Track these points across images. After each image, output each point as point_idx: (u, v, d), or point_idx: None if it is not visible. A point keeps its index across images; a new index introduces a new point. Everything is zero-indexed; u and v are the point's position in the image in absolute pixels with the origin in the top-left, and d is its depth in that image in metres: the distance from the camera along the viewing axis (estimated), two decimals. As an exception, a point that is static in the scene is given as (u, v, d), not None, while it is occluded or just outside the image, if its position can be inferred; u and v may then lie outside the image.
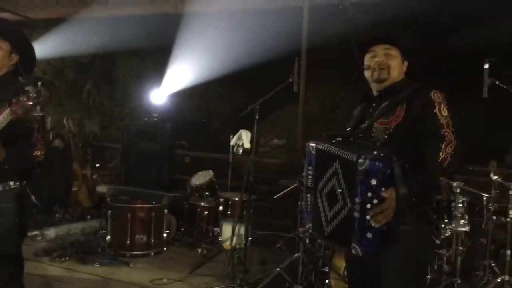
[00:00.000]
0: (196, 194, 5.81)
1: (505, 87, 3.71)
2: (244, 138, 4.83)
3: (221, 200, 5.52)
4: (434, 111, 2.12)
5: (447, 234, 4.15)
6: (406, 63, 2.35)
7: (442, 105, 2.14)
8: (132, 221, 5.10)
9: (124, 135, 6.93)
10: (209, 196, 5.74)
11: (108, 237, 5.19)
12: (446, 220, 4.14)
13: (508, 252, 4.01)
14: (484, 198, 4.20)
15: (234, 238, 4.71)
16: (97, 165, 7.21)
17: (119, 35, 8.30)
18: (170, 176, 6.59)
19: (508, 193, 4.05)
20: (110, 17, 8.11)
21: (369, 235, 1.90)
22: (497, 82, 3.68)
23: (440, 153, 2.03)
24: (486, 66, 3.69)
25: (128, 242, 5.08)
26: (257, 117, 4.35)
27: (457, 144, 2.07)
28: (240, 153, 4.94)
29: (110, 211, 5.24)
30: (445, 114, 2.13)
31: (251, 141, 4.77)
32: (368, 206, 1.88)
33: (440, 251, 4.18)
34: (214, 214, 5.65)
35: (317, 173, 2.11)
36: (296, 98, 6.66)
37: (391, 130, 2.16)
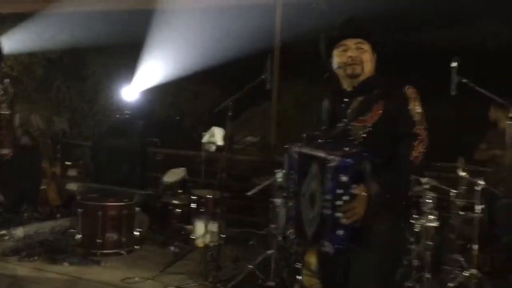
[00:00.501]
0: (169, 192, 5.77)
1: (472, 85, 3.79)
2: (216, 135, 4.82)
3: (194, 197, 5.50)
4: (408, 107, 2.13)
5: (416, 230, 4.23)
6: (375, 57, 2.32)
7: (416, 101, 2.15)
8: (102, 219, 5.02)
9: (94, 132, 6.82)
10: (181, 194, 5.72)
11: (78, 236, 5.10)
12: (415, 216, 4.21)
13: (475, 246, 4.10)
14: (452, 194, 4.28)
15: (207, 236, 4.68)
16: (67, 162, 7.08)
17: (90, 30, 8.16)
18: (142, 173, 6.51)
19: (475, 189, 4.14)
20: (80, 12, 7.97)
21: (340, 232, 1.88)
22: (464, 80, 3.76)
23: (413, 152, 2.05)
24: (454, 64, 3.76)
25: (98, 240, 5.00)
26: (230, 114, 4.33)
27: (428, 141, 2.10)
28: (213, 150, 4.92)
29: (80, 209, 5.14)
30: (419, 110, 2.14)
31: (224, 138, 4.75)
32: (339, 203, 1.87)
33: (409, 247, 4.25)
34: (186, 211, 5.62)
35: (300, 177, 2.06)
36: (270, 95, 6.67)
37: (369, 128, 2.14)
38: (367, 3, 6.47)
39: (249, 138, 10.73)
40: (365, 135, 2.13)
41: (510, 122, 4.00)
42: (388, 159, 2.04)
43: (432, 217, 4.07)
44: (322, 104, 2.40)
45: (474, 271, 4.06)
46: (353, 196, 1.88)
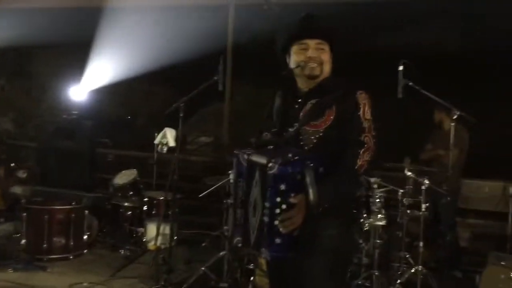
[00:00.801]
0: (119, 194, 5.64)
1: (417, 88, 3.92)
2: (168, 136, 4.74)
3: (146, 199, 5.41)
4: (358, 113, 2.10)
5: (365, 228, 4.34)
6: (332, 58, 2.25)
7: (366, 107, 2.12)
8: (49, 223, 4.86)
9: (41, 133, 6.58)
10: (133, 196, 5.60)
11: (23, 240, 4.91)
12: (364, 215, 4.32)
13: (421, 244, 4.25)
14: (399, 193, 4.42)
15: (159, 238, 4.62)
16: (12, 164, 6.79)
17: (36, 28, 7.87)
18: (92, 175, 6.35)
19: (421, 188, 4.29)
20: (26, 9, 7.68)
21: (278, 240, 1.86)
22: (410, 83, 3.89)
23: (358, 160, 2.03)
24: (401, 68, 3.88)
25: (44, 245, 4.83)
26: (181, 115, 4.29)
27: (375, 149, 2.09)
28: (164, 151, 4.85)
29: (25, 214, 4.95)
30: (368, 117, 2.11)
31: (176, 139, 4.69)
32: (277, 211, 1.84)
33: (359, 245, 4.36)
34: (138, 214, 5.52)
35: (248, 185, 1.99)
36: (223, 95, 6.67)
37: (321, 134, 2.08)
38: (318, 7, 6.58)
39: (202, 139, 10.68)
40: (316, 140, 2.08)
41: (453, 124, 4.18)
42: (334, 165, 2.01)
43: (380, 216, 4.19)
44: (274, 101, 2.30)
45: (420, 267, 4.21)
46: (292, 205, 1.86)
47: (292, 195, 1.85)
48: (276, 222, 1.84)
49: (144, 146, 7.02)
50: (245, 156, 1.99)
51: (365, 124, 2.09)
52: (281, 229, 1.85)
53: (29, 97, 10.12)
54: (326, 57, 2.19)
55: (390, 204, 4.58)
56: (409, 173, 4.30)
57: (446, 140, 4.49)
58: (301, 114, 2.15)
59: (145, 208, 5.39)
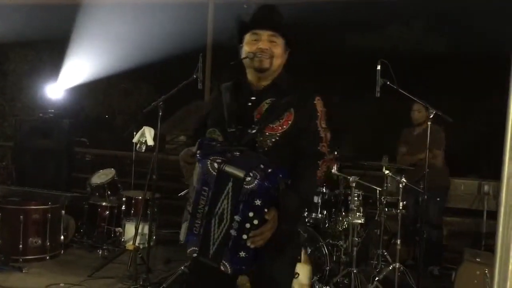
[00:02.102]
0: (97, 193, 5.59)
1: (395, 87, 3.96)
2: (147, 135, 4.70)
3: (124, 199, 5.36)
4: (316, 121, 2.04)
5: (344, 227, 4.37)
6: (286, 55, 2.15)
7: (323, 115, 2.07)
8: (25, 223, 4.77)
9: (17, 132, 6.45)
10: (111, 195, 5.56)
11: (-2, 241, 4.81)
12: (343, 213, 4.36)
13: (398, 241, 4.30)
14: (377, 191, 4.47)
15: (138, 238, 4.57)
16: (-14, 164, 6.67)
17: (11, 25, 7.71)
18: (69, 175, 6.26)
19: (399, 186, 4.34)
20: (1, 5, 7.52)
21: (242, 254, 1.82)
22: (388, 83, 3.92)
23: (318, 171, 1.99)
24: (378, 67, 3.91)
25: (20, 246, 4.74)
26: (160, 113, 4.26)
27: (331, 160, 2.10)
28: (143, 150, 4.80)
29: (0, 214, 4.85)
30: (324, 125, 2.06)
31: (155, 138, 4.66)
32: (247, 225, 1.80)
33: (338, 243, 4.39)
34: (116, 213, 5.47)
35: (215, 195, 1.86)
36: (203, 94, 6.63)
37: (277, 138, 1.97)
38: (298, 6, 6.61)
39: (181, 138, 10.64)
40: (271, 144, 1.96)
41: (430, 123, 4.20)
42: (292, 177, 1.94)
43: (358, 214, 4.23)
44: (217, 94, 2.16)
45: (397, 264, 4.26)
46: (264, 221, 1.81)
47: (265, 210, 1.80)
48: (245, 236, 1.79)
49: (123, 145, 6.95)
50: (216, 165, 1.84)
51: (322, 134, 2.03)
52: (249, 244, 1.79)
53: (4, 95, 9.92)
54: (277, 50, 2.07)
55: (368, 202, 4.62)
56: (387, 172, 4.34)
57: (422, 141, 4.48)
58: (256, 113, 2.02)
59: (123, 207, 5.34)
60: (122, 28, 7.70)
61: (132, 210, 5.31)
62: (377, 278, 4.24)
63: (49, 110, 6.38)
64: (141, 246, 4.68)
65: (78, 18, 7.24)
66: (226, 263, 1.83)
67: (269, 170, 1.80)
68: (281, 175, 1.83)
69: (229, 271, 1.83)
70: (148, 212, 4.86)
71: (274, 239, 1.86)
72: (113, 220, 5.47)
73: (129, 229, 4.98)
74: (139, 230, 4.59)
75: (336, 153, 4.54)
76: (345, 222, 4.35)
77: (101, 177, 5.68)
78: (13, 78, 9.92)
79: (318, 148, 2.02)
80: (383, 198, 4.46)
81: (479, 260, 4.12)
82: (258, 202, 1.78)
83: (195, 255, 1.90)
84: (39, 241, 4.84)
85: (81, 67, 7.43)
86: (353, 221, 4.23)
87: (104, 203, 5.50)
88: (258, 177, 1.76)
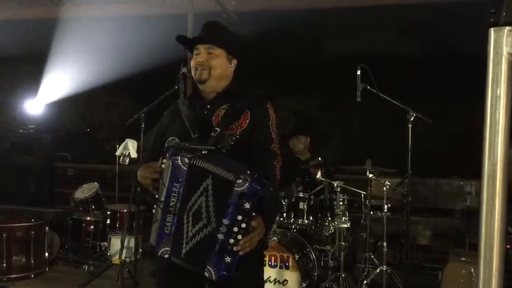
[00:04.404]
0: (81, 208, 5.52)
1: (375, 91, 4.01)
2: (130, 148, 4.68)
3: (109, 212, 5.30)
4: (268, 123, 2.15)
5: (330, 231, 4.39)
6: (235, 62, 2.25)
7: (274, 119, 2.17)
8: (8, 241, 4.69)
9: (-4, 149, 6.35)
10: (95, 210, 5.49)
11: (-20, 261, 4.71)
12: (329, 218, 4.38)
13: (385, 244, 4.33)
14: (362, 195, 4.50)
15: (124, 252, 4.53)
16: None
17: (-13, 40, 7.62)
18: (51, 190, 6.18)
19: (383, 189, 4.38)
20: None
21: (228, 259, 1.79)
22: (368, 87, 3.97)
23: (276, 171, 2.07)
24: (358, 72, 3.96)
25: (4, 265, 4.66)
26: (143, 125, 4.24)
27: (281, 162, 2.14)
28: (126, 163, 4.77)
29: (-19, 233, 4.76)
30: (275, 129, 2.16)
31: (138, 151, 4.63)
32: (235, 229, 1.78)
33: (325, 248, 4.41)
34: (101, 228, 5.41)
35: (187, 191, 1.85)
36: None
37: (237, 137, 2.07)
38: (276, 15, 6.67)
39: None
40: (232, 143, 2.06)
41: (410, 125, 4.24)
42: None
43: (344, 218, 4.25)
44: (180, 109, 2.22)
45: (385, 267, 4.29)
46: (251, 226, 1.80)
47: (253, 214, 1.79)
48: (232, 240, 1.77)
49: (106, 158, 6.89)
50: (186, 160, 1.84)
51: (273, 135, 2.14)
52: (235, 248, 1.78)
53: (-18, 112, 9.75)
54: (216, 62, 2.17)
55: (354, 206, 4.66)
56: (370, 175, 4.38)
57: None
58: (213, 118, 2.13)
59: (108, 221, 5.28)
60: (101, 42, 7.66)
61: (117, 224, 5.26)
62: (365, 282, 4.27)
63: (29, 126, 6.31)
64: (127, 260, 4.64)
65: (56, 33, 7.18)
66: (211, 269, 1.79)
67: (255, 175, 1.80)
68: (264, 180, 1.82)
69: (214, 277, 1.79)
70: (134, 225, 4.81)
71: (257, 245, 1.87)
72: (98, 234, 5.41)
73: (115, 243, 4.93)
74: (125, 244, 4.55)
75: (320, 158, 4.57)
76: (332, 227, 4.37)
77: (84, 191, 5.62)
78: (-9, 95, 9.78)
79: (271, 147, 2.11)
80: (367, 202, 4.49)
81: (464, 259, 4.17)
82: (247, 205, 1.77)
83: (166, 255, 1.87)
84: (23, 259, 4.76)
85: (60, 81, 7.37)
86: (339, 226, 4.25)
87: (88, 218, 5.44)
88: (249, 179, 1.76)
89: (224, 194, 1.79)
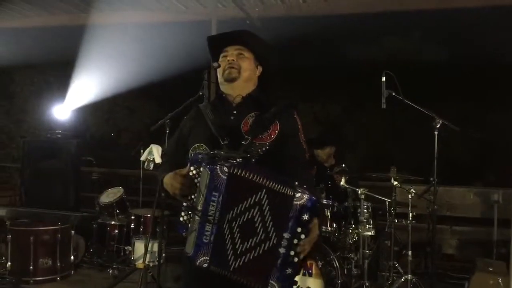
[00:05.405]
0: (106, 212, 5.59)
1: (400, 98, 3.97)
2: (155, 153, 4.72)
3: (133, 217, 5.37)
4: (299, 133, 2.16)
5: (354, 239, 4.35)
6: (260, 69, 2.24)
7: (301, 127, 2.18)
8: (35, 245, 4.77)
9: (24, 154, 6.48)
10: (119, 214, 5.55)
11: (9, 263, 4.81)
12: (353, 226, 4.34)
13: (409, 252, 4.26)
14: (386, 203, 4.44)
15: (147, 256, 4.56)
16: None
17: (17, 47, 7.81)
18: (77, 194, 6.27)
19: (408, 197, 4.32)
20: (7, 28, 7.61)
21: (289, 270, 1.81)
22: (393, 94, 3.93)
23: (313, 180, 2.14)
24: (383, 78, 3.93)
25: (31, 267, 4.74)
26: (167, 131, 4.28)
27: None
28: (151, 168, 4.82)
29: (9, 236, 4.86)
30: (304, 138, 2.18)
31: (162, 156, 4.67)
32: (295, 241, 1.81)
33: (348, 256, 4.37)
34: (125, 232, 5.47)
35: (229, 201, 1.83)
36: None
37: (267, 147, 2.05)
38: (299, 21, 6.67)
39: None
40: (262, 153, 2.04)
41: (436, 132, 4.17)
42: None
43: (368, 226, 4.21)
44: (203, 114, 2.18)
45: (409, 276, 4.22)
46: (309, 233, 1.83)
47: (310, 224, 1.82)
48: (292, 253, 1.80)
49: (130, 163, 6.97)
50: (225, 169, 1.82)
51: (305, 145, 2.17)
52: (296, 259, 1.81)
53: (10, 117, 9.98)
54: (246, 64, 2.17)
55: (378, 214, 4.60)
56: (395, 183, 4.32)
57: None
58: (242, 126, 2.10)
59: (132, 226, 5.34)
60: (126, 48, 7.77)
61: (141, 228, 5.31)
62: (389, 290, 4.20)
63: (57, 131, 6.42)
64: (151, 264, 4.67)
65: (83, 39, 7.33)
66: (274, 283, 1.81)
67: (305, 186, 1.83)
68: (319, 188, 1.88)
69: None
70: (157, 229, 4.85)
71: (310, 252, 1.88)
72: (122, 238, 5.47)
73: (139, 247, 4.98)
74: (149, 248, 4.59)
75: (344, 165, 4.54)
76: (355, 235, 4.33)
77: (109, 196, 5.69)
78: (19, 100, 9.99)
79: (305, 158, 2.15)
80: (392, 209, 4.43)
81: (491, 269, 4.09)
82: (305, 217, 1.79)
83: (205, 265, 1.85)
84: (50, 262, 4.84)
85: (86, 87, 7.50)
86: (363, 233, 4.21)
87: (113, 222, 5.50)
88: (307, 192, 1.79)
89: (282, 208, 1.80)
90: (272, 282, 1.81)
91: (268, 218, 1.81)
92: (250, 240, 1.82)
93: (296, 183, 1.84)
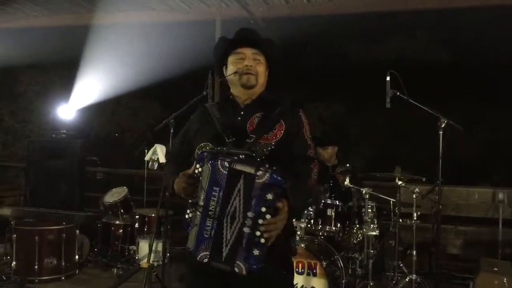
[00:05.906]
0: (110, 212, 5.61)
1: (405, 97, 3.96)
2: (159, 153, 4.74)
3: (137, 217, 5.38)
4: (303, 130, 2.15)
5: (359, 239, 4.34)
6: (268, 71, 2.25)
7: (308, 125, 2.18)
8: (40, 244, 4.80)
9: (29, 153, 6.50)
10: (124, 214, 5.57)
11: (14, 263, 4.83)
12: (357, 225, 4.33)
13: (414, 252, 4.26)
14: (391, 202, 4.44)
15: (152, 256, 4.57)
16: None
17: (21, 47, 7.84)
18: (81, 194, 6.28)
19: (412, 197, 4.31)
20: (10, 29, 7.64)
21: (256, 252, 1.78)
22: (398, 94, 3.93)
23: (312, 174, 2.09)
24: (388, 78, 3.92)
25: (36, 267, 4.76)
26: (172, 131, 4.29)
27: (318, 165, 2.17)
28: (155, 168, 4.83)
29: (14, 235, 4.88)
30: (309, 135, 2.17)
31: (166, 155, 4.69)
32: (260, 221, 1.78)
33: (353, 255, 4.36)
34: (130, 231, 5.49)
35: (226, 195, 1.85)
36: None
37: (272, 147, 2.06)
38: (303, 21, 6.67)
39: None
40: (267, 153, 2.04)
41: (441, 132, 4.16)
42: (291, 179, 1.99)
43: (372, 226, 4.20)
44: (210, 113, 2.19)
45: (414, 276, 4.21)
46: (276, 213, 1.81)
47: (277, 204, 1.81)
48: (258, 233, 1.78)
49: (134, 163, 6.98)
50: (226, 164, 1.84)
51: (309, 142, 2.16)
52: (262, 239, 1.78)
53: (15, 117, 10.02)
54: (261, 69, 2.18)
55: (382, 213, 4.60)
56: (399, 182, 4.31)
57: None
58: (248, 126, 2.11)
59: (136, 225, 5.36)
60: (130, 48, 7.79)
61: (145, 228, 5.33)
62: (394, 290, 4.20)
63: (61, 131, 6.44)
64: (155, 264, 4.68)
65: (87, 39, 7.35)
66: (240, 263, 1.79)
67: (274, 167, 1.82)
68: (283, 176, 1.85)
69: (244, 271, 1.79)
70: (162, 229, 4.86)
71: (282, 236, 1.87)
72: (126, 238, 5.49)
73: (143, 247, 4.99)
74: (153, 248, 4.59)
75: (348, 165, 4.53)
76: (360, 235, 4.33)
77: (114, 195, 5.71)
78: (24, 100, 10.03)
79: (307, 153, 2.13)
80: (396, 209, 4.42)
81: (496, 269, 4.07)
82: (270, 196, 1.78)
83: (206, 260, 1.86)
84: (55, 261, 4.86)
85: (91, 87, 7.52)
86: (368, 233, 4.20)
87: (117, 222, 5.52)
88: (269, 171, 1.78)
89: (250, 188, 1.80)
90: (238, 262, 1.80)
91: (241, 202, 1.82)
92: (232, 228, 1.83)
93: (267, 165, 1.83)
